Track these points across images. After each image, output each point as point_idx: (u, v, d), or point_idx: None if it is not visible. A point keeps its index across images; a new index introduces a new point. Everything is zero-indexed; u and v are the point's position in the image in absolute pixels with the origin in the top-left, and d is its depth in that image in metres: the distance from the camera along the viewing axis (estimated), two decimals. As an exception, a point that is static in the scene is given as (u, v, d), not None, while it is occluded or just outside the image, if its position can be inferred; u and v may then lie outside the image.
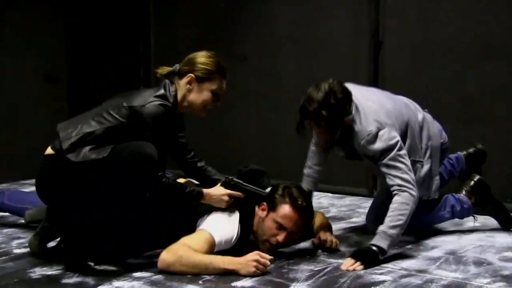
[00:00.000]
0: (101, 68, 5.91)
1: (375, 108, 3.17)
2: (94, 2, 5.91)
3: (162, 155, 2.82)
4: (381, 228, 2.99)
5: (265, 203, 2.97)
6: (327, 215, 4.03)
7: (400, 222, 2.98)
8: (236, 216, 2.95)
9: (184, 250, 2.72)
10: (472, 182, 3.63)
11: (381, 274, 2.79)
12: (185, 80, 2.92)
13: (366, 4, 4.73)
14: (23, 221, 3.45)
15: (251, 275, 2.69)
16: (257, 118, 5.37)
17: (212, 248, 2.80)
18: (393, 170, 3.08)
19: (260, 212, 2.97)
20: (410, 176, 3.07)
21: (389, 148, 3.08)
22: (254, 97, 5.34)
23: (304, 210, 2.93)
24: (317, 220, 3.30)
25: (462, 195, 3.59)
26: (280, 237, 2.90)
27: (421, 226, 3.48)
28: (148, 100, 2.78)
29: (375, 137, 3.09)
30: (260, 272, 2.71)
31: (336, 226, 3.71)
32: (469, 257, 3.08)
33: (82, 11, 5.86)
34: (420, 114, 3.44)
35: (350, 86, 3.20)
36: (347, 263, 2.92)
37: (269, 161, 4.92)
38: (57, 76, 5.56)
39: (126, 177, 2.64)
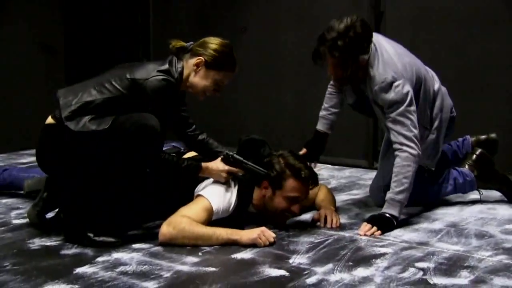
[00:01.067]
0: (99, 40, 5.83)
1: (396, 58, 3.14)
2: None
3: (162, 128, 2.79)
4: (389, 195, 3.06)
5: (266, 182, 2.94)
6: (328, 187, 4.02)
7: (405, 185, 3.04)
8: (234, 185, 2.94)
9: (186, 222, 2.70)
10: (475, 156, 3.59)
11: (382, 246, 2.77)
12: (194, 60, 2.87)
13: (367, -26, 4.66)
14: (22, 192, 3.43)
15: (252, 244, 2.68)
16: (257, 89, 5.33)
17: (211, 216, 2.80)
18: (398, 125, 3.07)
19: (264, 191, 2.96)
20: (413, 134, 3.06)
21: (400, 101, 3.06)
22: (254, 68, 5.28)
23: (308, 177, 2.94)
24: (321, 194, 3.29)
25: (465, 168, 3.57)
26: (295, 207, 2.95)
27: (424, 199, 3.47)
28: (151, 74, 2.74)
29: (389, 85, 3.07)
30: (262, 243, 2.69)
31: (337, 198, 3.68)
32: (470, 229, 3.07)
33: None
34: (437, 83, 3.41)
35: (378, 35, 3.22)
36: (364, 228, 2.98)
37: (269, 133, 4.89)
38: (54, 46, 5.49)
39: (127, 148, 2.61)
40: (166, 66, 2.81)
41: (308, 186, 2.96)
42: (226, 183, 2.93)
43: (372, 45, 3.13)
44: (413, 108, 3.09)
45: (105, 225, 2.71)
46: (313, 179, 2.98)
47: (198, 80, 2.88)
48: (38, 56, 5.41)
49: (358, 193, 3.89)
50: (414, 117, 3.08)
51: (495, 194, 3.67)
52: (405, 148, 3.06)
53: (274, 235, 2.76)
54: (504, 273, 2.43)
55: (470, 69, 4.39)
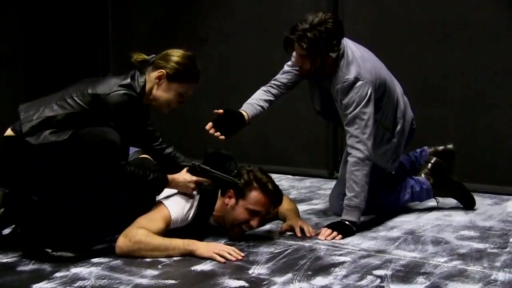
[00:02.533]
0: (58, 51, 5.77)
1: (360, 61, 3.20)
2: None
3: (126, 143, 2.78)
4: (345, 202, 3.14)
5: (232, 191, 2.94)
6: (288, 197, 4.05)
7: (357, 190, 3.12)
8: (195, 196, 2.94)
9: (142, 234, 2.69)
10: (430, 165, 3.67)
11: (340, 255, 2.80)
12: (156, 74, 2.86)
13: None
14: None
15: (207, 258, 2.68)
16: (218, 100, 5.33)
17: (169, 225, 2.80)
18: (352, 126, 3.14)
19: (227, 200, 2.95)
20: (365, 136, 3.13)
21: (358, 102, 3.12)
22: (215, 79, 5.30)
23: (273, 193, 2.94)
24: (284, 203, 3.26)
25: (421, 177, 3.64)
26: (254, 222, 2.91)
27: (383, 207, 3.53)
28: (113, 89, 2.73)
29: (350, 86, 3.13)
30: (220, 259, 2.67)
31: (297, 208, 3.73)
32: (427, 236, 3.12)
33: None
34: (400, 89, 3.48)
35: (346, 39, 3.24)
36: (325, 233, 3.05)
37: (232, 144, 4.89)
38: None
39: (87, 162, 2.60)
40: (128, 80, 2.80)
41: (271, 202, 2.94)
42: (188, 194, 2.92)
43: (341, 44, 3.18)
44: (368, 110, 3.13)
45: (64, 240, 2.68)
46: (277, 198, 2.97)
47: (161, 93, 2.87)
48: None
49: (318, 203, 3.92)
50: (369, 119, 3.13)
51: (452, 201, 3.75)
52: (354, 152, 3.14)
53: (241, 254, 2.73)
54: (459, 278, 2.49)
55: (426, 79, 4.47)
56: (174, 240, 2.73)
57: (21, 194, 2.78)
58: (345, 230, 3.09)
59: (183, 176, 2.92)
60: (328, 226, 3.12)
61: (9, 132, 2.75)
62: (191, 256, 2.70)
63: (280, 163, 5.00)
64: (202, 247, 2.72)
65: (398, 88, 3.46)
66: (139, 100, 2.82)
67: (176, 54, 2.90)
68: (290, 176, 4.81)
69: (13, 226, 2.89)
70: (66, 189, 2.64)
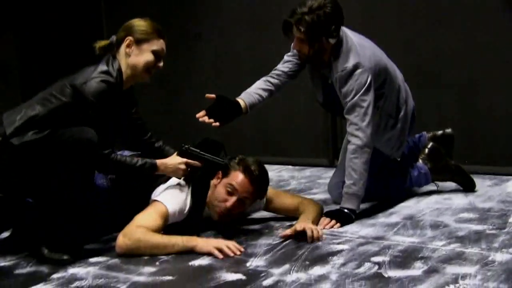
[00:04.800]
0: (54, 58, 5.78)
1: (359, 48, 3.18)
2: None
3: (111, 133, 2.77)
4: (344, 189, 3.13)
5: (220, 172, 2.94)
6: (287, 188, 4.07)
7: (355, 177, 3.10)
8: (188, 188, 2.93)
9: (141, 232, 2.69)
10: (427, 150, 3.66)
11: (338, 243, 2.80)
12: (124, 45, 2.86)
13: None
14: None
15: (208, 252, 2.67)
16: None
17: (167, 220, 2.79)
18: (352, 114, 3.13)
19: (214, 181, 2.94)
20: (365, 123, 3.11)
21: (357, 89, 3.11)
22: (210, 74, 5.30)
23: (257, 177, 2.89)
24: (310, 210, 3.10)
25: (419, 162, 3.62)
26: (229, 202, 2.86)
27: (385, 195, 3.52)
28: (90, 77, 2.71)
29: (349, 74, 3.12)
30: (218, 251, 2.67)
31: (296, 199, 3.72)
32: (426, 220, 3.11)
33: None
34: (401, 76, 3.47)
35: (344, 27, 3.22)
36: (323, 222, 3.03)
37: (228, 138, 4.89)
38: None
39: (66, 162, 2.59)
40: (104, 67, 2.79)
41: (254, 185, 2.88)
42: (180, 185, 2.91)
43: (341, 33, 3.17)
44: (368, 97, 3.12)
45: (61, 241, 2.68)
46: (259, 184, 2.92)
47: (136, 59, 2.86)
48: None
49: (317, 192, 3.92)
50: (368, 107, 3.12)
51: (452, 184, 3.74)
52: (353, 139, 3.12)
53: (239, 249, 2.71)
54: (456, 261, 2.48)
55: (420, 64, 4.45)
56: (173, 237, 2.73)
57: (14, 197, 2.78)
58: (343, 218, 3.09)
59: (173, 159, 2.91)
60: (327, 215, 3.11)
61: None
62: (191, 253, 2.69)
63: (280, 154, 5.01)
64: (201, 243, 2.72)
65: (399, 74, 3.45)
66: (118, 85, 2.80)
67: (134, 21, 2.92)
68: (290, 167, 4.80)
69: (11, 229, 2.90)
70: (52, 187, 2.61)
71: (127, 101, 2.98)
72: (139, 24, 2.89)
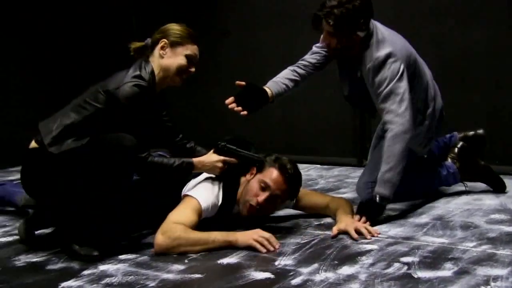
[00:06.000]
0: (86, 59, 5.84)
1: (390, 39, 3.17)
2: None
3: (145, 137, 2.79)
4: (379, 175, 3.07)
5: (255, 168, 2.95)
6: (316, 187, 4.06)
7: (392, 163, 3.04)
8: (219, 183, 2.94)
9: (180, 230, 2.68)
10: (456, 149, 3.63)
11: (367, 243, 2.78)
12: (158, 46, 2.90)
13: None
14: (9, 209, 3.44)
15: (248, 246, 2.68)
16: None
17: (201, 215, 2.80)
18: (388, 102, 3.09)
19: (248, 176, 2.95)
20: (402, 109, 3.07)
21: (391, 77, 3.08)
22: (237, 70, 5.30)
23: (291, 176, 2.90)
24: (343, 206, 3.12)
25: (448, 161, 3.59)
26: (261, 197, 2.86)
27: (411, 194, 3.49)
28: (123, 82, 2.74)
29: (383, 62, 3.10)
30: (261, 248, 2.68)
31: (324, 198, 3.72)
32: (456, 221, 3.08)
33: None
34: (429, 73, 3.44)
35: (376, 22, 3.22)
36: (357, 219, 3.00)
37: (255, 135, 4.90)
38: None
39: (108, 166, 2.61)
40: (137, 71, 2.81)
41: (288, 183, 2.89)
42: (211, 181, 2.92)
43: (371, 25, 3.16)
44: (403, 84, 3.09)
45: (91, 237, 2.71)
46: (293, 183, 2.93)
47: (170, 61, 2.89)
48: (29, 74, 5.42)
49: (346, 191, 3.90)
50: (404, 93, 3.08)
51: (481, 184, 3.69)
52: (392, 126, 3.07)
53: (276, 243, 2.73)
54: (487, 263, 2.45)
55: (447, 60, 4.40)
56: (212, 233, 2.73)
57: (50, 203, 2.82)
58: (373, 209, 3.05)
59: (210, 157, 2.93)
60: (359, 211, 3.07)
61: (33, 144, 2.78)
62: (231, 248, 2.70)
63: (308, 153, 5.00)
64: (241, 236, 2.72)
65: (427, 71, 3.43)
66: (151, 88, 2.82)
67: (170, 25, 2.95)
68: (318, 166, 4.79)
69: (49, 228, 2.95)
70: (89, 190, 2.64)
71: (159, 103, 3.00)
72: (175, 28, 2.93)
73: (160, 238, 2.67)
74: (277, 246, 2.71)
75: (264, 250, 2.67)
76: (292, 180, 2.92)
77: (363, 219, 3.01)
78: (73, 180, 2.65)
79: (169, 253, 2.66)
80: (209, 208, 2.84)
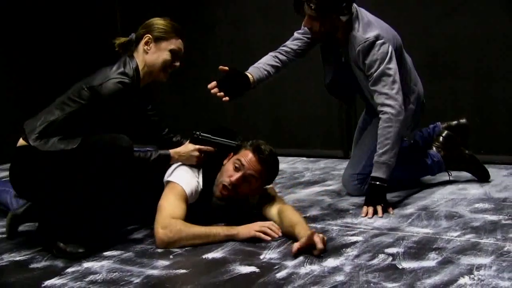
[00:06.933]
0: (71, 56, 5.80)
1: (376, 23, 3.19)
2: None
3: (127, 132, 2.78)
4: (374, 158, 3.10)
5: (232, 153, 2.94)
6: (302, 180, 4.06)
7: (388, 146, 3.06)
8: (198, 170, 2.95)
9: (181, 224, 2.70)
10: (441, 138, 3.63)
11: (353, 235, 2.78)
12: (142, 42, 2.89)
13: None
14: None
15: (251, 237, 2.70)
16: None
17: (187, 201, 2.80)
18: (379, 84, 3.10)
19: (225, 161, 2.94)
20: (394, 91, 3.08)
21: (381, 59, 3.09)
22: (225, 64, 5.28)
23: (266, 158, 2.86)
24: (293, 217, 2.82)
25: (432, 150, 3.60)
26: (234, 177, 2.82)
27: (394, 183, 3.49)
28: (106, 78, 2.73)
29: (372, 44, 3.10)
30: (265, 237, 2.70)
31: (310, 190, 3.72)
32: (441, 211, 3.09)
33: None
34: (410, 59, 3.46)
35: (359, 7, 3.21)
36: (365, 211, 3.05)
37: (242, 127, 4.90)
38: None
39: (100, 167, 2.60)
40: (121, 67, 2.80)
41: (262, 165, 2.84)
42: (190, 167, 2.93)
43: (353, 9, 3.16)
44: (393, 65, 3.10)
45: (75, 235, 2.70)
46: (268, 165, 2.87)
47: (154, 56, 2.88)
48: (14, 75, 5.39)
49: (332, 184, 3.90)
50: (395, 75, 3.10)
51: (467, 174, 3.70)
52: (385, 108, 3.08)
53: (278, 229, 2.75)
54: (471, 252, 2.46)
55: (438, 53, 4.41)
56: (213, 228, 2.76)
57: (38, 200, 2.81)
58: (375, 195, 3.08)
59: (186, 147, 2.94)
60: (365, 203, 3.11)
61: (21, 142, 2.77)
62: (233, 241, 2.71)
63: (294, 146, 4.99)
64: (242, 229, 2.73)
65: (407, 57, 3.45)
66: (134, 84, 2.81)
67: (154, 19, 2.94)
68: (305, 158, 4.79)
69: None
70: (78, 189, 2.63)
71: (143, 98, 2.99)
72: (159, 22, 2.91)
73: (161, 232, 2.68)
74: (280, 233, 2.73)
75: (269, 238, 2.70)
76: (267, 162, 2.86)
77: (371, 209, 3.03)
78: (63, 178, 2.63)
79: (170, 247, 2.68)
80: (193, 193, 2.86)
